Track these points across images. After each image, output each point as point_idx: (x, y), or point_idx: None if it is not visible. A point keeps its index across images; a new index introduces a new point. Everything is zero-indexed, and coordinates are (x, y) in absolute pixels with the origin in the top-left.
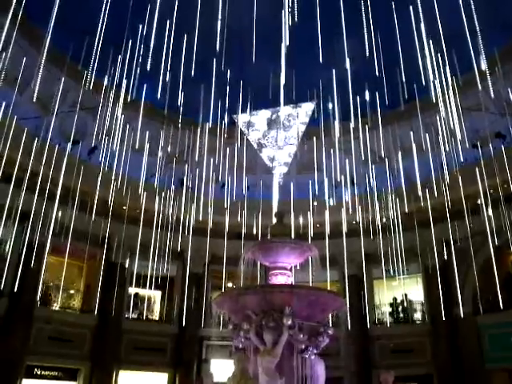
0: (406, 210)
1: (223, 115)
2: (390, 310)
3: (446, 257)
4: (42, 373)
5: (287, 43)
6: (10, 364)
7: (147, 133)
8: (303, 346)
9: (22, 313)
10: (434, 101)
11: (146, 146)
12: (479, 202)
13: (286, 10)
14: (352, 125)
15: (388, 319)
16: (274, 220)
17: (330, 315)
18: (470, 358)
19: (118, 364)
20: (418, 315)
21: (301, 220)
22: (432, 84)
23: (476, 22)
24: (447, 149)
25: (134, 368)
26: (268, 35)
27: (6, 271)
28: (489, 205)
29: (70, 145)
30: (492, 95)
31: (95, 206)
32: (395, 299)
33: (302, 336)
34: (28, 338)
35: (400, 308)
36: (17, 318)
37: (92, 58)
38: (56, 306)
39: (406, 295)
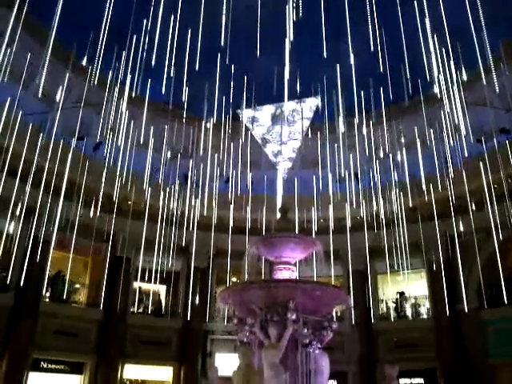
0: (410, 205)
1: (227, 110)
2: (394, 304)
3: (450, 251)
4: (48, 366)
5: (291, 38)
6: (17, 357)
7: (152, 128)
8: (307, 341)
9: (28, 307)
10: (439, 96)
11: (151, 141)
12: (483, 196)
13: (291, 4)
14: (356, 120)
15: (392, 314)
16: (279, 215)
17: (335, 310)
18: (475, 352)
19: (123, 358)
20: (422, 310)
21: (305, 215)
22: (436, 79)
23: (481, 17)
24: (451, 143)
25: (139, 362)
26: (272, 30)
27: (12, 266)
28: (493, 199)
29: (74, 140)
30: (497, 90)
31: (100, 201)
32: (400, 293)
33: (306, 330)
34: (34, 331)
35: (404, 303)
36: (23, 312)
37: (96, 53)
38: (62, 300)
39: (410, 290)
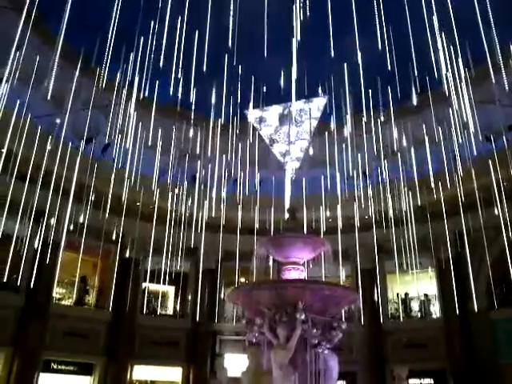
0: (419, 203)
1: (235, 111)
2: (402, 305)
3: (459, 250)
4: (59, 367)
5: (298, 38)
6: (28, 359)
7: (160, 130)
8: (316, 341)
9: (38, 309)
10: (447, 94)
11: (159, 142)
12: (492, 194)
13: (297, 4)
14: (364, 119)
15: (401, 313)
16: (287, 215)
17: (343, 310)
18: (484, 352)
19: (132, 358)
20: (431, 309)
21: (313, 215)
22: (445, 77)
23: (490, 14)
24: (460, 141)
25: (148, 362)
26: (279, 30)
27: (22, 268)
28: (502, 196)
29: (83, 143)
30: (506, 87)
31: (109, 203)
32: (407, 294)
33: (315, 331)
34: (44, 333)
35: (413, 302)
36: (33, 314)
37: (105, 55)
38: (71, 302)
39: (419, 290)
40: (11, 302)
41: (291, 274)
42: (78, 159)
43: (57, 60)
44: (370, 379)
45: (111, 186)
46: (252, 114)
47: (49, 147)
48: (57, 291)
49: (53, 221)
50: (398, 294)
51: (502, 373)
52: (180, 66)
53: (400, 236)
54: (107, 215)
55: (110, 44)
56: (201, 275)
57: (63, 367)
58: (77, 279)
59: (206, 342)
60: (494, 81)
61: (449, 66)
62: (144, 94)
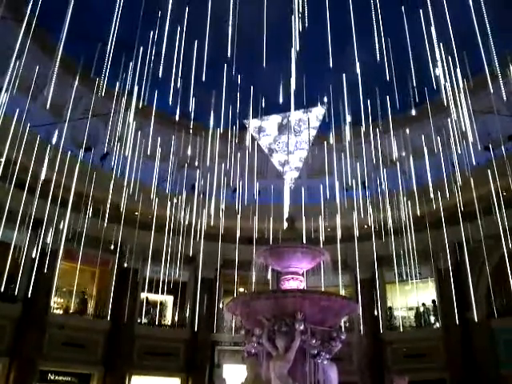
0: (418, 213)
1: (234, 120)
2: (403, 314)
3: (458, 259)
4: (56, 378)
5: (297, 48)
6: (24, 369)
7: (159, 139)
8: (316, 351)
9: (36, 318)
10: (445, 103)
11: (158, 151)
12: (492, 203)
13: (296, 14)
14: (363, 128)
15: (401, 323)
16: (286, 224)
17: (343, 320)
18: (484, 362)
19: (130, 369)
20: (431, 319)
21: (312, 224)
22: (443, 87)
23: (487, 24)
24: (459, 151)
25: (146, 373)
26: (278, 40)
27: (20, 277)
28: (501, 206)
29: (82, 151)
30: (504, 97)
31: (107, 212)
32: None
33: (314, 341)
34: (41, 343)
35: (413, 312)
36: (30, 324)
37: (104, 65)
38: (69, 312)
39: (418, 299)
40: (8, 311)
41: (290, 283)
42: (76, 168)
43: (56, 69)
44: None
45: (110, 194)
46: (251, 123)
47: (48, 156)
48: (55, 300)
49: (51, 230)
50: (396, 304)
51: (502, 382)
52: (179, 74)
53: (399, 246)
54: (106, 224)
55: (109, 53)
56: (199, 284)
57: (60, 378)
58: (74, 289)
59: (205, 352)
60: (492, 90)
61: (447, 77)
62: (143, 102)
